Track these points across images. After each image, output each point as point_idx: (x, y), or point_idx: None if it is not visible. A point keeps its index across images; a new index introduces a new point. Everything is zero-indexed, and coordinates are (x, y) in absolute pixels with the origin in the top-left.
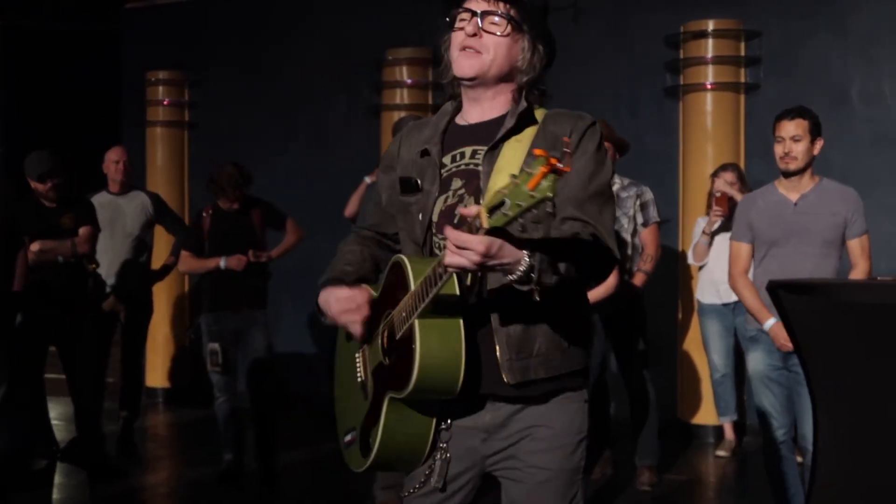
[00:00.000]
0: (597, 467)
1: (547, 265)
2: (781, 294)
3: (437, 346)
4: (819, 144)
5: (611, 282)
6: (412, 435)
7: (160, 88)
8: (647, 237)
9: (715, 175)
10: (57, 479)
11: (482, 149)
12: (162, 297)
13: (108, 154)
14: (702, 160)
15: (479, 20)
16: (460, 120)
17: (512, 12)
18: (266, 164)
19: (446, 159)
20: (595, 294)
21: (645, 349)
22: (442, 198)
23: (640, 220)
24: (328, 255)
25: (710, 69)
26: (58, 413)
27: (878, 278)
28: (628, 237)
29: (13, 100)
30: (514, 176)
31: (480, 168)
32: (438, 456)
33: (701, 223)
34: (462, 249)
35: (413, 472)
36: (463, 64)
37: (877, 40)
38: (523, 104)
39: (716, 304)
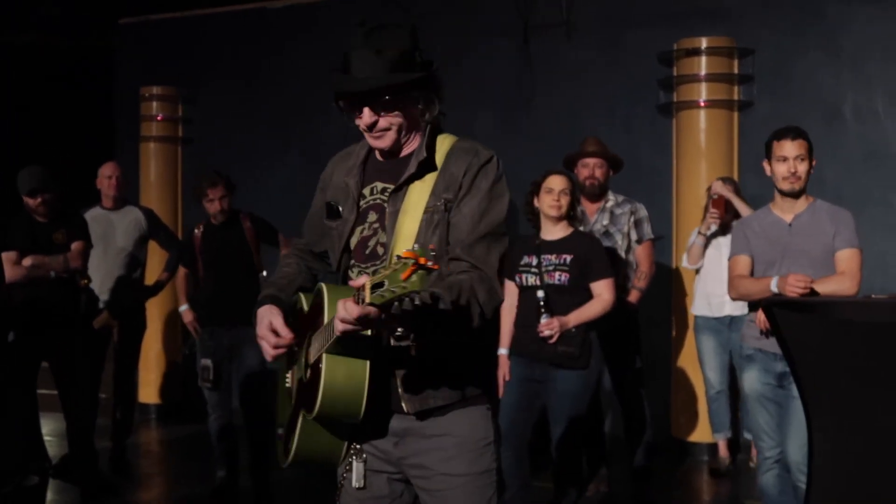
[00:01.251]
0: (592, 485)
1: (423, 327)
2: (777, 312)
3: (341, 379)
4: (814, 164)
5: (608, 299)
6: (325, 445)
7: (154, 104)
8: (642, 254)
9: (711, 188)
10: (49, 495)
11: (390, 186)
12: (155, 312)
13: (101, 169)
14: (695, 177)
15: (369, 109)
16: (377, 153)
17: (389, 96)
18: (260, 179)
19: (365, 191)
20: (592, 311)
21: (640, 367)
22: (359, 228)
23: (634, 236)
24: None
25: (704, 86)
26: (50, 429)
27: (873, 297)
28: (623, 254)
29: (6, 115)
30: (399, 258)
31: (386, 206)
32: (354, 458)
33: (698, 229)
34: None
35: (337, 472)
36: (375, 143)
37: (869, 57)
38: (423, 152)
39: (708, 317)
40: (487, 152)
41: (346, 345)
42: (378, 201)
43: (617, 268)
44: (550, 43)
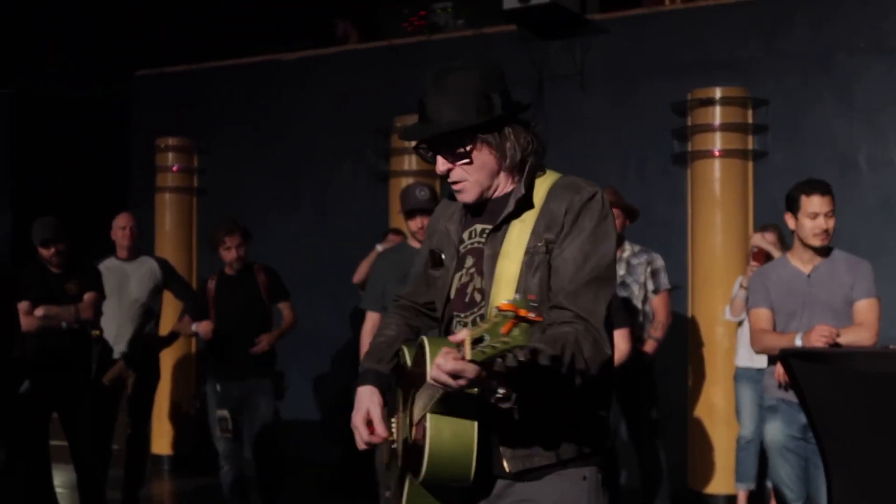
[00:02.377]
0: None
1: (524, 386)
2: (793, 363)
3: (448, 441)
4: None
5: (624, 349)
6: None
7: (169, 155)
8: (658, 304)
9: (756, 233)
10: None
11: (489, 227)
12: (168, 363)
13: (115, 220)
14: (710, 227)
15: (442, 157)
16: None
17: (456, 143)
18: (274, 229)
19: (465, 235)
20: None
21: (656, 418)
22: (458, 275)
23: (650, 287)
24: (333, 321)
25: (718, 136)
26: (62, 481)
27: (891, 347)
28: (639, 304)
29: (23, 166)
30: (498, 310)
31: (484, 249)
32: None
33: (741, 280)
34: (441, 372)
35: None
36: (460, 196)
37: (881, 107)
38: (521, 188)
39: (749, 367)
40: (591, 188)
41: (452, 403)
42: (475, 245)
43: (633, 318)
44: (564, 94)
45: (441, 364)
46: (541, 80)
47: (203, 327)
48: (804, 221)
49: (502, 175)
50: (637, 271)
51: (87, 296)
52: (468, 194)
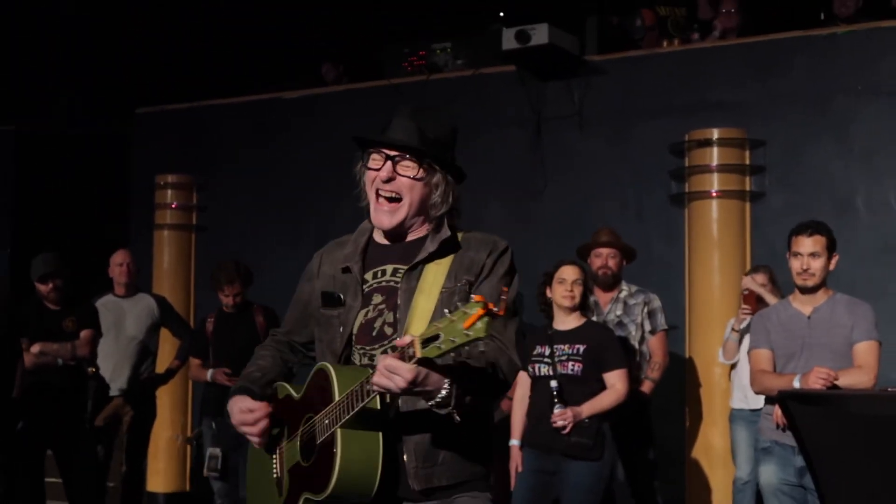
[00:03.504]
0: None
1: (463, 391)
2: (791, 405)
3: (356, 455)
4: (835, 260)
5: (621, 389)
6: None
7: (169, 192)
8: (655, 344)
9: (746, 275)
10: None
11: (403, 267)
12: (164, 400)
13: (112, 257)
14: (708, 268)
15: (391, 164)
16: (380, 238)
17: (414, 161)
18: (274, 266)
19: (368, 276)
20: (606, 402)
21: (654, 459)
22: (363, 311)
23: (647, 327)
24: None
25: (715, 177)
26: None
27: (889, 389)
28: (636, 344)
29: (23, 202)
30: (450, 312)
31: (399, 285)
32: None
33: (732, 323)
34: (392, 374)
35: None
36: (382, 219)
37: (880, 150)
38: (446, 231)
39: (744, 409)
40: (504, 242)
41: (359, 420)
42: (384, 283)
43: (630, 358)
44: (562, 134)
45: (391, 368)
46: (539, 120)
47: (220, 377)
48: (791, 261)
49: (423, 218)
50: (634, 311)
51: (84, 333)
52: (395, 216)
